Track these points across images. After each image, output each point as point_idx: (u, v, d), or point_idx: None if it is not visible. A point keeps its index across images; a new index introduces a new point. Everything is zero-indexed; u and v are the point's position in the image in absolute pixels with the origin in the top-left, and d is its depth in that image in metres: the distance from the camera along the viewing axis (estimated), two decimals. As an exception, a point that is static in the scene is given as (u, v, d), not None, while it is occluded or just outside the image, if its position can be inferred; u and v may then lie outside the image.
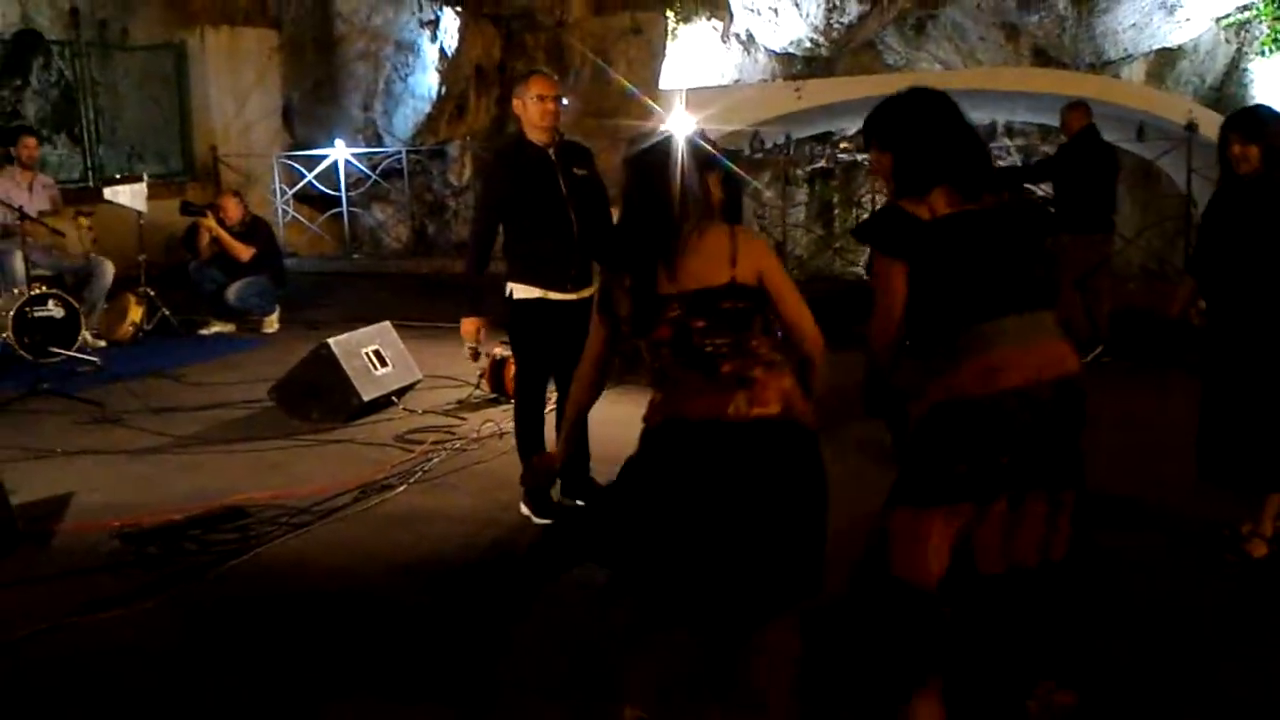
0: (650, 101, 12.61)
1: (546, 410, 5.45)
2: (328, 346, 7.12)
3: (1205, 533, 4.86)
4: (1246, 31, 14.96)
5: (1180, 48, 15.55)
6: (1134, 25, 15.33)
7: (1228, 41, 15.15)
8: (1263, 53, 14.55)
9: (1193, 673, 3.77)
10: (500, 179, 5.22)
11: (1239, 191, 4.56)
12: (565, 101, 5.30)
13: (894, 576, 3.06)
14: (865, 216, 3.24)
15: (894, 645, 3.11)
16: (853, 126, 16.87)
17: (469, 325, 5.32)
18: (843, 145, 17.26)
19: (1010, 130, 16.92)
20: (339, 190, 14.35)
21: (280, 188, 14.54)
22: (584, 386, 3.30)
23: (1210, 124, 9.73)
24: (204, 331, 10.20)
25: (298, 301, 11.19)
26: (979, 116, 16.75)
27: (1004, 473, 2.97)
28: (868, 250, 3.55)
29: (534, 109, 5.13)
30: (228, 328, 10.27)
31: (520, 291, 5.19)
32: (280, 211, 14.37)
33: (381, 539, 5.13)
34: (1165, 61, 15.74)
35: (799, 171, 17.54)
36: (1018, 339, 3.00)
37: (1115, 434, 6.61)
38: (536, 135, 5.18)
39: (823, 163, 17.25)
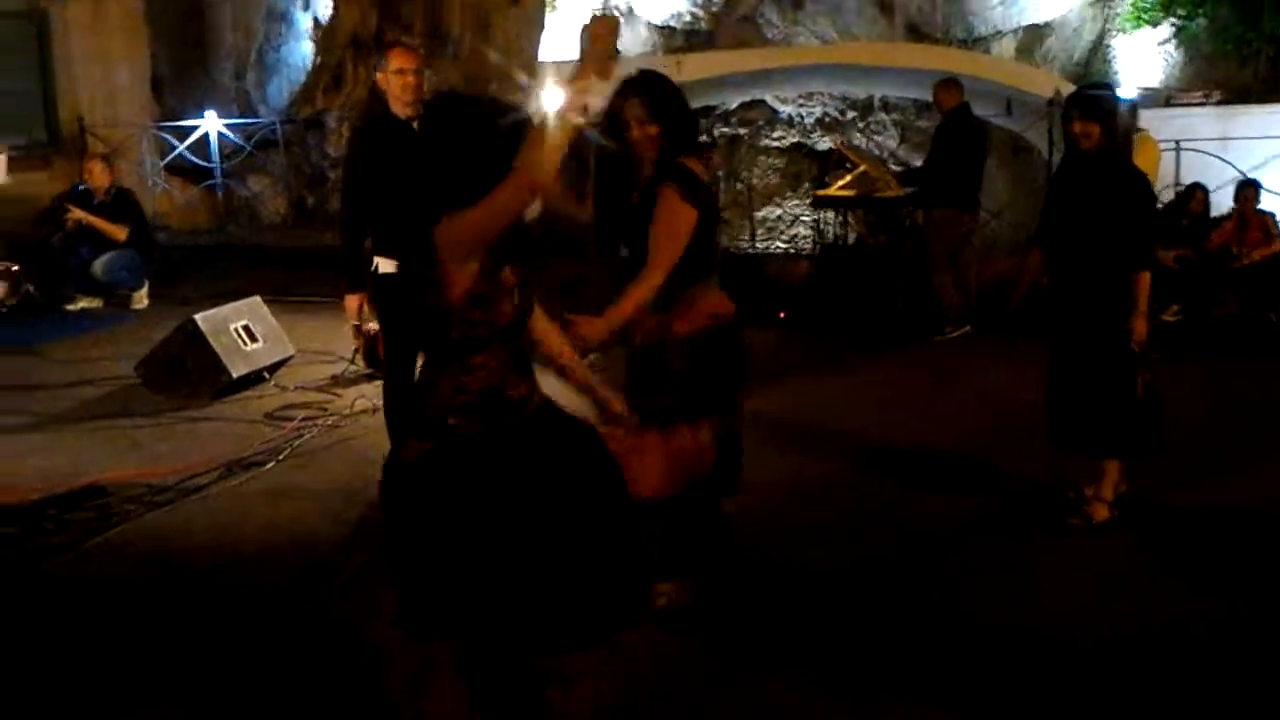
0: (523, 74, 12.55)
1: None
2: (194, 322, 7.00)
3: (1053, 497, 5.08)
4: (1110, 8, 15.44)
5: (1048, 24, 15.99)
6: (1002, 2, 15.72)
7: (1093, 18, 15.62)
8: (1125, 28, 15.04)
9: (1027, 631, 3.95)
10: (362, 153, 5.17)
11: (1081, 166, 4.74)
12: (427, 74, 5.27)
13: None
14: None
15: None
16: (733, 100, 17.04)
17: (351, 302, 5.26)
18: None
19: (887, 105, 17.22)
20: (212, 161, 14.04)
21: (151, 160, 14.17)
22: None
23: (1072, 100, 10.07)
24: (70, 307, 9.90)
25: (170, 276, 10.93)
26: (856, 91, 17.04)
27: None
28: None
29: (395, 82, 5.09)
30: (95, 303, 9.99)
31: (385, 265, 5.14)
32: (151, 184, 14.00)
33: (247, 516, 5.09)
34: (1034, 38, 16.17)
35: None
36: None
37: (975, 401, 6.88)
38: (399, 109, 5.14)
39: (703, 137, 17.35)
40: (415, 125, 5.13)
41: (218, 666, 3.75)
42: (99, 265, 9.81)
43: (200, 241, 13.50)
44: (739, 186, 17.24)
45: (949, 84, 8.86)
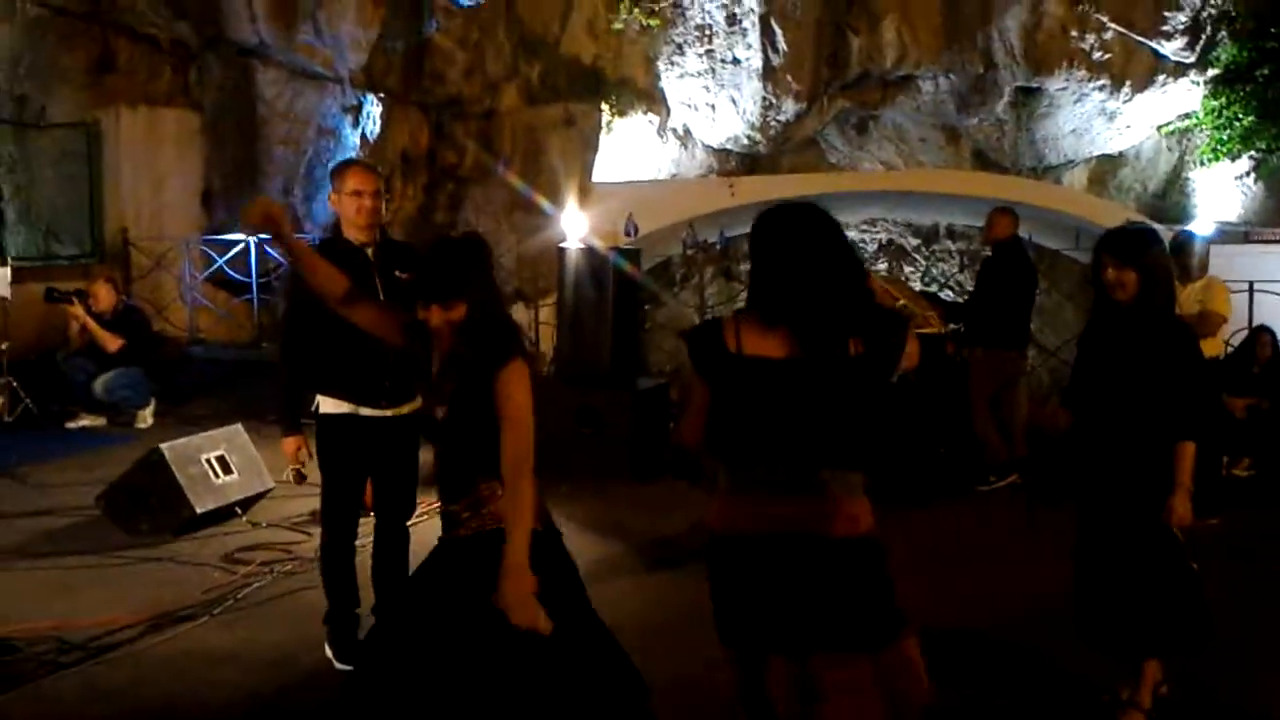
0: (542, 199, 12.21)
1: (358, 542, 4.82)
2: (159, 451, 6.49)
3: (1085, 696, 4.32)
4: (1188, 140, 14.81)
5: (1122, 155, 15.38)
6: (1074, 131, 15.14)
7: (1169, 149, 14.99)
8: (1203, 161, 14.36)
9: None
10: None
11: (1114, 321, 4.06)
12: (386, 198, 4.77)
13: None
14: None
15: None
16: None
17: (289, 445, 4.75)
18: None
19: (952, 232, 16.63)
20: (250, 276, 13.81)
21: (192, 273, 13.99)
22: None
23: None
24: (71, 425, 9.54)
25: (193, 393, 10.57)
26: (920, 218, 16.49)
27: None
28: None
29: (349, 205, 4.59)
30: (98, 421, 9.62)
31: (328, 405, 4.63)
32: (189, 298, 13.80)
33: (153, 687, 4.46)
34: (1107, 168, 15.56)
35: (742, 267, 17.27)
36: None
37: (1011, 569, 6.11)
38: (354, 234, 4.64)
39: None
40: (370, 253, 4.64)
41: None
42: (100, 383, 9.45)
43: (234, 357, 13.18)
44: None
45: (1002, 213, 8.25)
